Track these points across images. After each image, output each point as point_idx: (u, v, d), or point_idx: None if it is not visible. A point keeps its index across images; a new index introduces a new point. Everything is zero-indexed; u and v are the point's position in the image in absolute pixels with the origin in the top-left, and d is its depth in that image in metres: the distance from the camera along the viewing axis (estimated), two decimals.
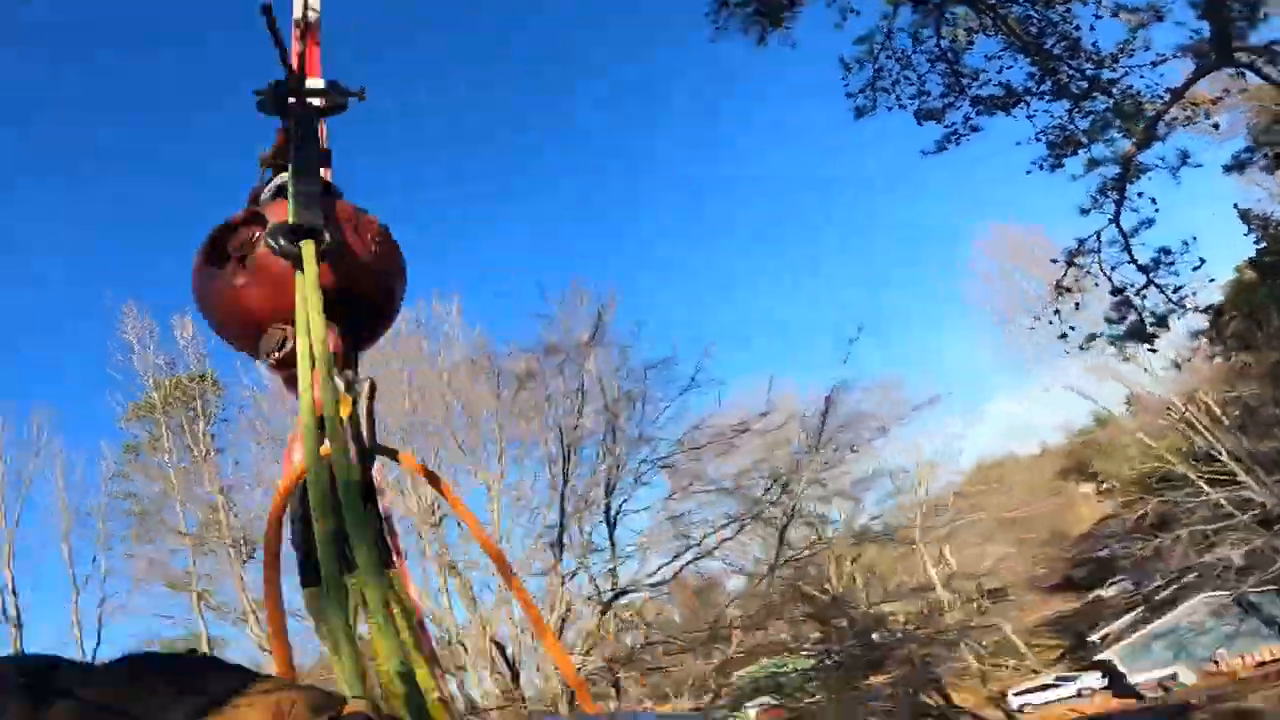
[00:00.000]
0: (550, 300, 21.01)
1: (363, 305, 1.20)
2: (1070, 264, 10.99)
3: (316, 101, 1.39)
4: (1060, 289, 11.14)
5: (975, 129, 10.71)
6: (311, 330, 1.03)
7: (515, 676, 18.48)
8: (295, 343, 1.08)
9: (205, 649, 23.06)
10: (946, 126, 10.81)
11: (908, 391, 29.56)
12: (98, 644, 25.43)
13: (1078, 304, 11.25)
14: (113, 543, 26.48)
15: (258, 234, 1.16)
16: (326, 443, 0.97)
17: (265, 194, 1.31)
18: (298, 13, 1.53)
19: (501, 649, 18.73)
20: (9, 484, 26.10)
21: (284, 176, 1.27)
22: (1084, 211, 10.51)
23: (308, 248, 1.09)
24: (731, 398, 23.32)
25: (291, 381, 1.10)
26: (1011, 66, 10.33)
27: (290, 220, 1.14)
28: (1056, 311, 11.19)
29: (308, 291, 1.06)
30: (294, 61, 1.40)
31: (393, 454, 1.16)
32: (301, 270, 1.10)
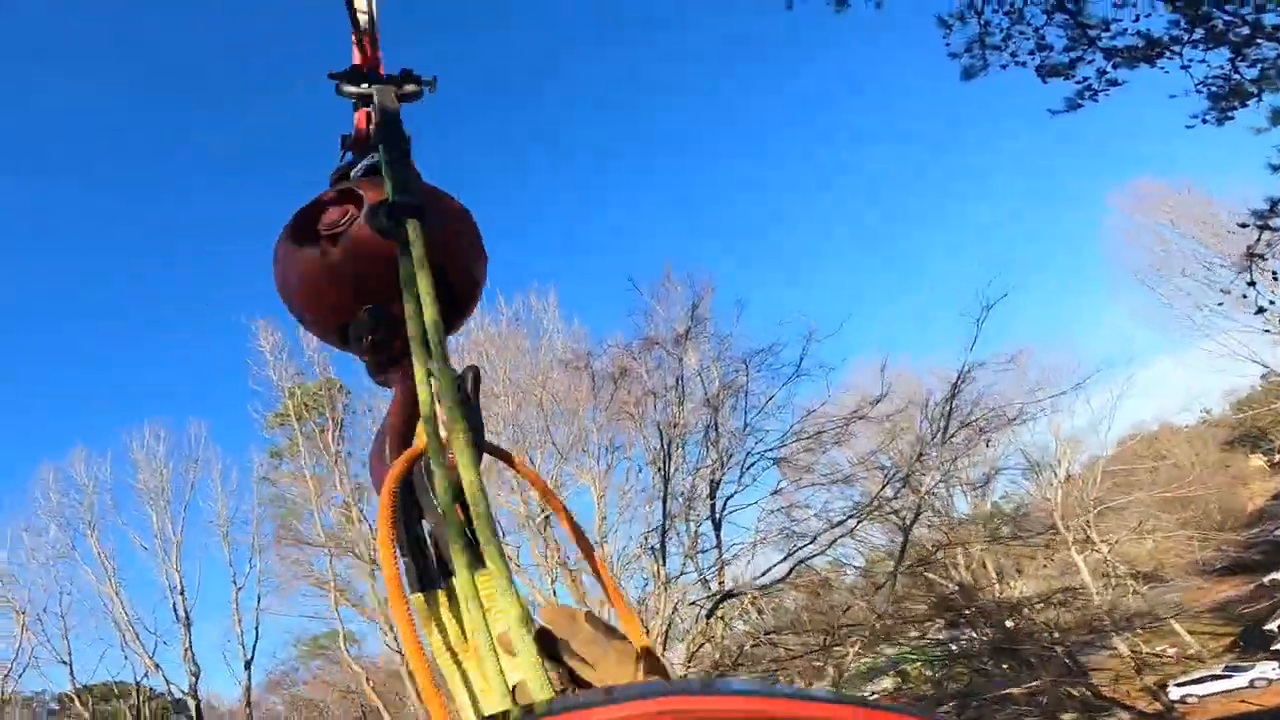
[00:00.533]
0: (644, 292, 20.57)
1: (449, 289, 1.12)
2: (1264, 227, 9.45)
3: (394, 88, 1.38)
4: (1252, 256, 9.65)
5: (1114, 83, 9.39)
6: (425, 313, 0.97)
7: None
8: (389, 326, 1.05)
9: (342, 645, 24.78)
10: (1078, 82, 9.48)
11: (1044, 365, 26.88)
12: (256, 640, 27.97)
13: (1277, 273, 9.77)
14: (266, 543, 28.82)
15: (351, 211, 1.13)
16: (442, 433, 0.91)
17: (354, 173, 1.30)
18: (362, 4, 1.56)
19: None
20: (173, 493, 29.11)
21: (374, 157, 1.26)
22: (1275, 168, 8.96)
23: (413, 227, 1.04)
24: (845, 381, 21.96)
25: (381, 367, 1.08)
26: (1149, 15, 8.91)
27: (391, 199, 1.09)
28: (1251, 283, 9.72)
29: (417, 271, 1.00)
30: (368, 48, 1.43)
31: (507, 458, 1.10)
32: (404, 249, 1.04)
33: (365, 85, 1.40)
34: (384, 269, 1.08)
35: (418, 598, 0.91)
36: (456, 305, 1.20)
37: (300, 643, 31.27)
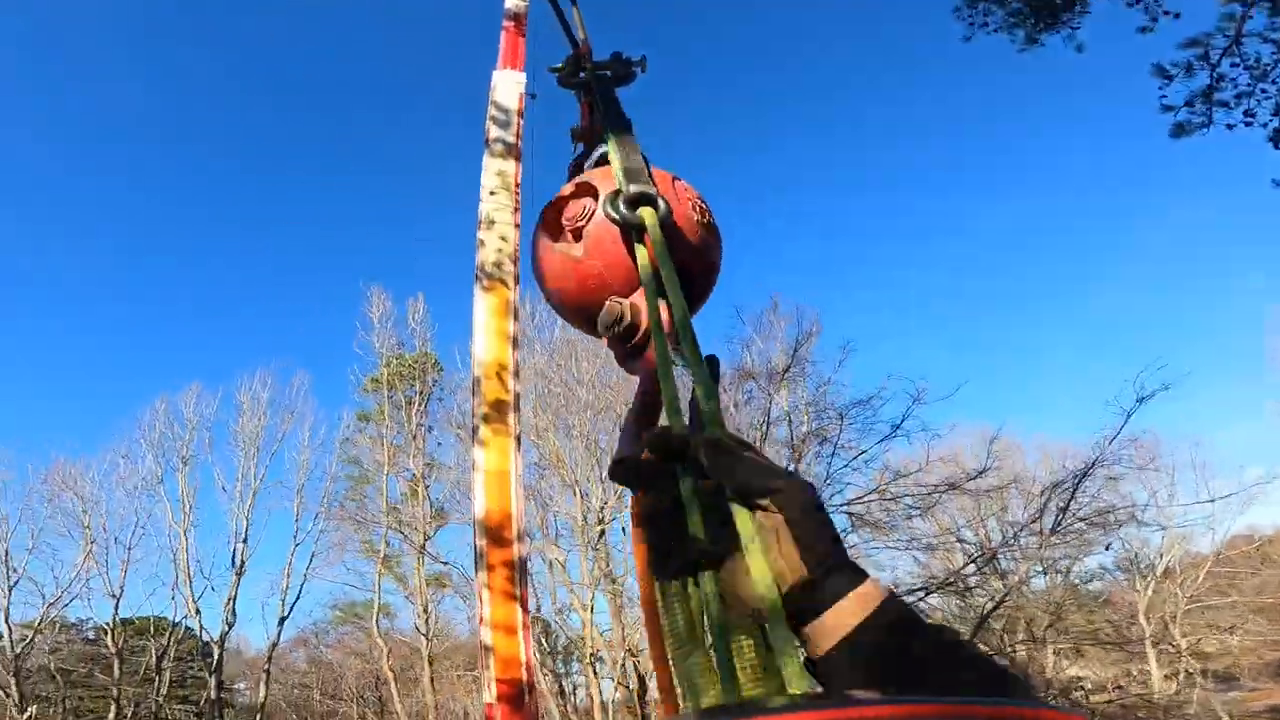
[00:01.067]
0: (746, 322, 20.02)
1: (688, 279, 1.09)
2: None
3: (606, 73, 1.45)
4: None
5: None
6: (672, 301, 0.97)
7: (642, 689, 18.26)
8: (632, 317, 1.08)
9: (375, 616, 24.97)
10: None
11: (1182, 462, 24.44)
12: (297, 598, 28.80)
13: None
14: (334, 504, 29.74)
15: (589, 205, 1.17)
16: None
17: (588, 165, 1.35)
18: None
19: (635, 658, 18.47)
20: (265, 440, 30.59)
21: (604, 148, 1.29)
22: None
23: (649, 215, 1.07)
24: (946, 439, 20.32)
25: (628, 356, 1.12)
26: None
27: (624, 189, 1.12)
28: None
29: (659, 260, 1.02)
30: (580, 36, 1.51)
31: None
32: (639, 238, 1.08)
33: (583, 74, 1.45)
34: (623, 261, 1.12)
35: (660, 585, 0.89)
36: (695, 291, 1.20)
37: (337, 606, 32.06)
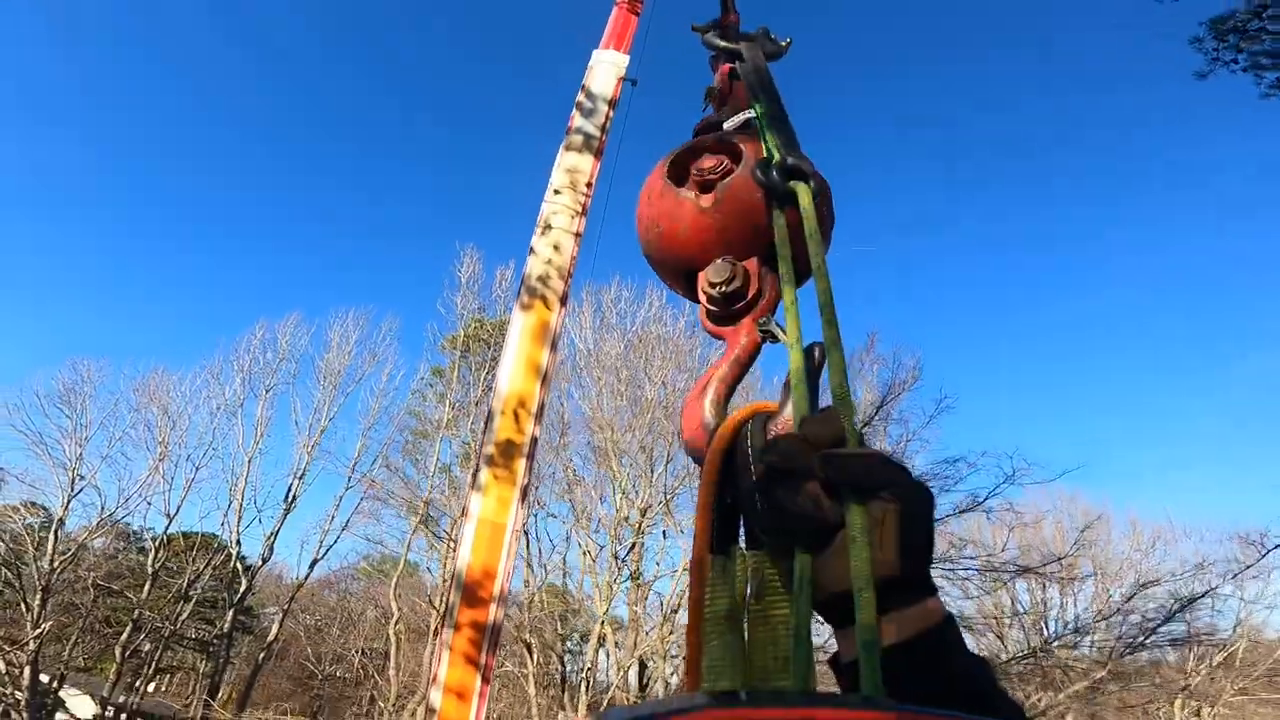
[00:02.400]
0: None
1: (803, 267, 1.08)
2: None
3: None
4: None
5: None
6: (817, 281, 0.96)
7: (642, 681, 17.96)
8: (743, 282, 1.09)
9: (397, 574, 25.06)
10: None
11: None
12: (335, 541, 29.51)
13: None
14: (393, 453, 30.29)
15: (726, 162, 1.17)
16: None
17: (728, 125, 1.32)
18: None
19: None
20: (345, 377, 31.57)
21: (749, 113, 1.29)
22: None
23: (804, 190, 1.06)
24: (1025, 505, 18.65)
25: (722, 318, 1.11)
26: None
27: (779, 158, 1.12)
28: None
29: (809, 237, 1.01)
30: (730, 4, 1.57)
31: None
32: (782, 209, 1.08)
33: (730, 40, 1.49)
34: (751, 225, 1.12)
35: (716, 559, 0.92)
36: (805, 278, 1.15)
37: (369, 558, 32.68)
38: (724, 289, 1.11)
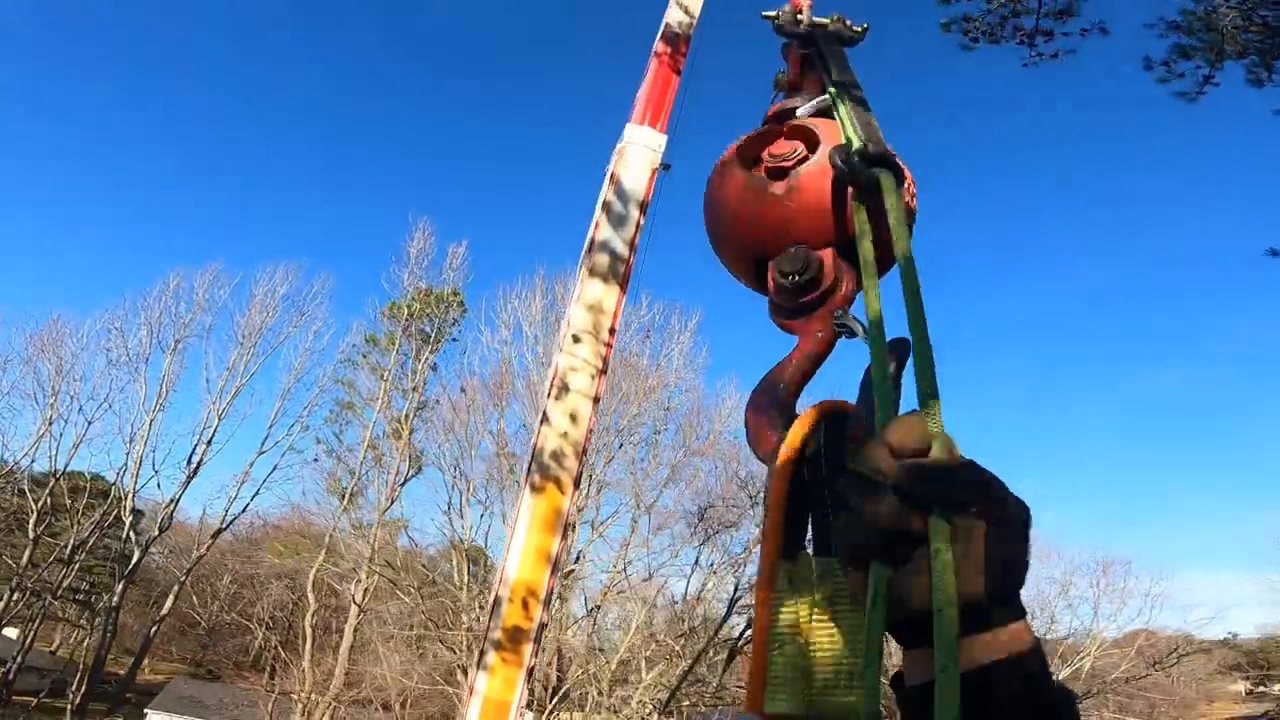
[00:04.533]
0: None
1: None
2: None
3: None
4: None
5: None
6: (904, 273, 0.88)
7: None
8: (818, 272, 1.06)
9: (313, 574, 24.29)
10: None
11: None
12: (241, 512, 28.50)
13: None
14: (313, 420, 29.26)
15: (800, 149, 1.15)
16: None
17: (803, 112, 1.30)
18: (674, 17, 2.08)
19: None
20: (266, 336, 30.14)
21: (824, 100, 1.26)
22: None
23: (887, 179, 1.01)
24: None
25: (793, 310, 1.08)
26: None
27: (861, 146, 1.07)
28: None
29: (894, 228, 0.95)
30: None
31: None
32: (864, 197, 1.04)
33: (804, 25, 1.44)
34: (827, 214, 1.09)
35: (784, 566, 0.92)
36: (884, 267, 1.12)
37: (270, 523, 31.63)
38: (796, 279, 1.09)
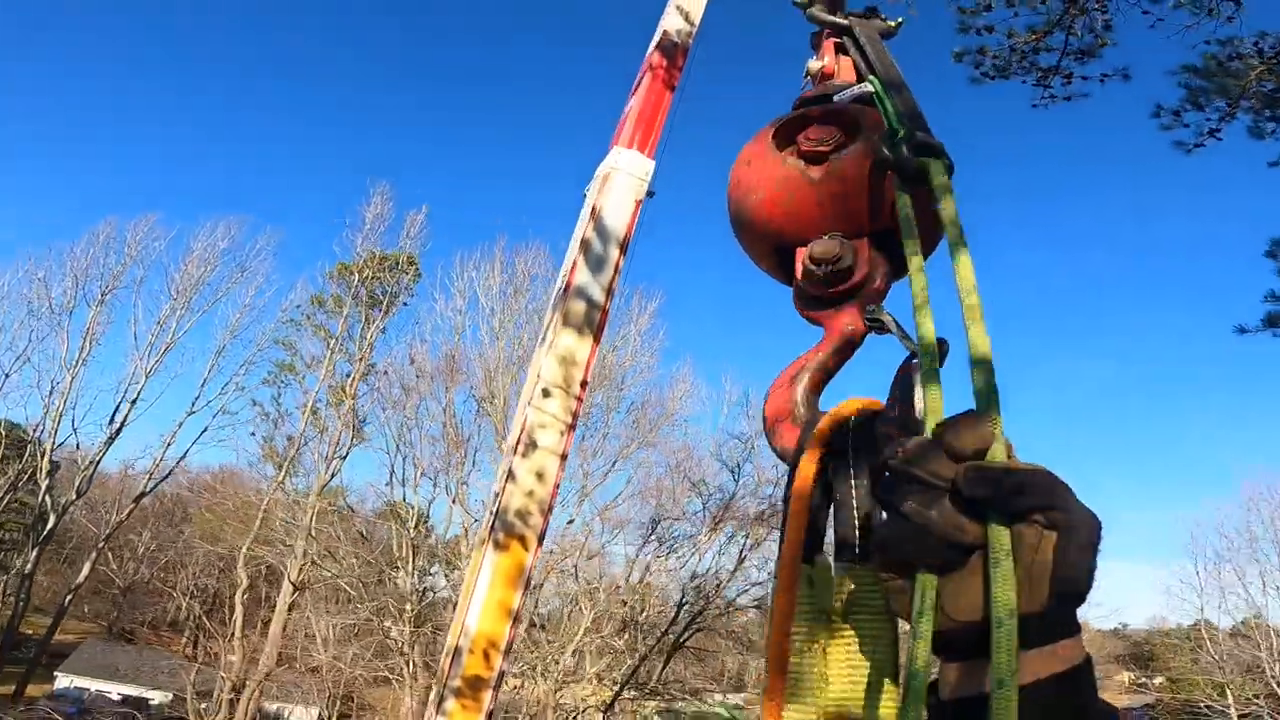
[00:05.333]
0: None
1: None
2: None
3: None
4: None
5: None
6: (957, 266, 0.87)
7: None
8: (852, 261, 1.06)
9: (245, 548, 23.80)
10: None
11: None
12: (165, 477, 27.69)
13: None
14: (249, 380, 28.51)
15: (838, 135, 1.14)
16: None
17: (840, 98, 1.28)
18: (671, 24, 2.12)
19: None
20: (203, 293, 29.05)
21: (864, 87, 1.26)
22: None
23: (938, 168, 1.00)
24: None
25: (816, 301, 1.08)
26: None
27: (905, 133, 1.06)
28: None
29: (945, 215, 0.94)
30: None
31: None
32: (908, 186, 1.02)
33: (841, 15, 1.45)
34: (865, 203, 1.09)
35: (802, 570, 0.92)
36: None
37: (198, 486, 30.93)
38: (830, 268, 1.07)
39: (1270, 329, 8.43)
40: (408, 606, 18.04)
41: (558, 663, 16.95)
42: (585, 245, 4.17)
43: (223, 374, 28.64)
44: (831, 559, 0.92)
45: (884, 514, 0.68)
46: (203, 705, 20.01)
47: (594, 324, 3.90)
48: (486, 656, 3.18)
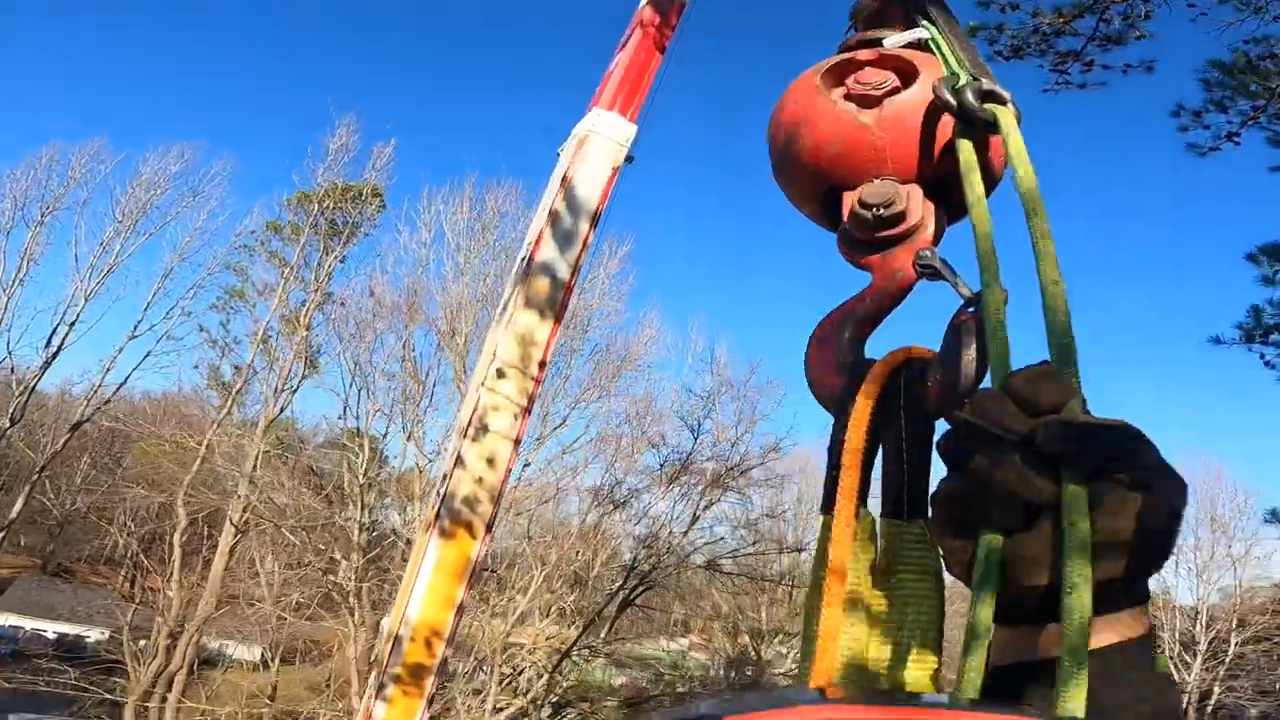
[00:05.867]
0: None
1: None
2: None
3: None
4: None
5: None
6: (1030, 210, 0.84)
7: None
8: (905, 207, 1.04)
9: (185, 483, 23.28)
10: None
11: None
12: (104, 403, 26.90)
13: None
14: (197, 305, 27.66)
15: (892, 79, 1.14)
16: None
17: (891, 43, 1.25)
18: None
19: None
20: (151, 217, 27.85)
21: (918, 33, 1.25)
22: None
23: (1006, 115, 0.99)
24: None
25: (862, 245, 1.07)
26: None
27: (967, 79, 1.05)
28: None
29: (1017, 161, 0.91)
30: None
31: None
32: (965, 134, 1.01)
33: None
34: (920, 149, 1.08)
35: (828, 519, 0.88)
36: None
37: (139, 413, 30.31)
38: (880, 212, 1.06)
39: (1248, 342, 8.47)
40: (355, 544, 17.98)
41: (513, 604, 17.14)
42: (554, 217, 4.00)
43: (169, 298, 27.75)
44: (874, 516, 0.89)
45: (947, 469, 0.65)
46: (141, 643, 19.91)
47: (556, 304, 3.77)
48: (428, 644, 3.14)
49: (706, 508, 20.67)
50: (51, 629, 28.62)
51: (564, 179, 4.06)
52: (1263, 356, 8.65)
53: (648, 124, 4.26)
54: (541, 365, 3.59)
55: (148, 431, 26.96)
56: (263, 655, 22.28)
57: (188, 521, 22.02)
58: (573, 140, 4.16)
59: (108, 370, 26.56)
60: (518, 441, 3.43)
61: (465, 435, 3.30)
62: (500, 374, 3.43)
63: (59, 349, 25.86)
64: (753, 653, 26.59)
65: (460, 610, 3.21)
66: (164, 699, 19.19)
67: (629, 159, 4.22)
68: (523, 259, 3.95)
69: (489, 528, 3.25)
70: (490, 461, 3.26)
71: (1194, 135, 7.99)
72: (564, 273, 3.85)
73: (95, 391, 26.70)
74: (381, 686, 3.12)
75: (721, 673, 27.41)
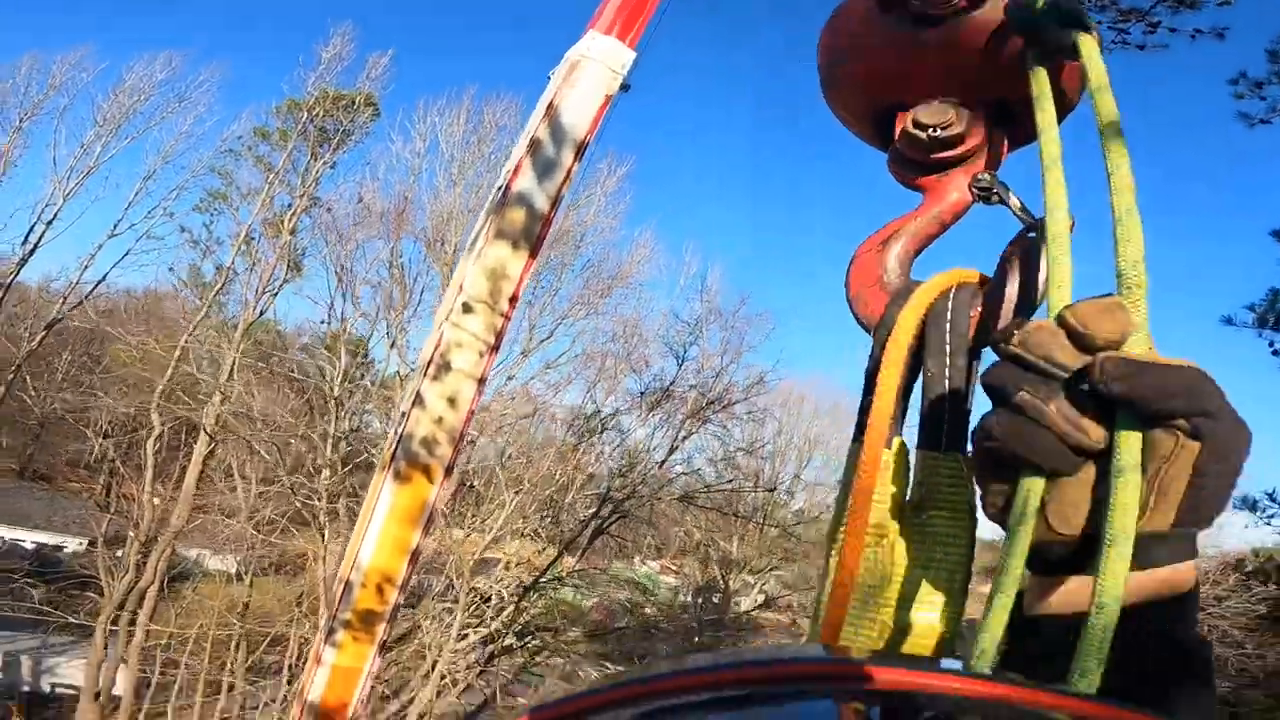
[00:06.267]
0: None
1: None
2: None
3: None
4: None
5: None
6: (1108, 141, 0.78)
7: None
8: (964, 129, 1.01)
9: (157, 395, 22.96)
10: None
11: None
12: (86, 297, 26.49)
13: None
14: (179, 206, 27.10)
15: None
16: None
17: None
18: None
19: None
20: (134, 122, 26.84)
21: None
22: None
23: (1088, 42, 0.91)
24: None
25: (917, 166, 1.04)
26: None
27: (1051, 2, 0.97)
28: None
29: (1097, 90, 0.85)
30: None
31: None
32: (1040, 61, 0.96)
33: None
34: (985, 72, 1.02)
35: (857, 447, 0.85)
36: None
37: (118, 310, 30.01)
38: (937, 132, 1.02)
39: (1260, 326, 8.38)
40: (326, 459, 18.01)
41: (488, 526, 17.35)
42: (535, 145, 3.76)
43: (151, 199, 27.08)
44: (913, 445, 0.85)
45: (991, 404, 0.60)
46: (118, 551, 20.01)
47: (532, 236, 3.57)
48: (380, 591, 3.07)
49: (685, 438, 20.80)
50: (29, 538, 28.76)
51: (550, 105, 3.82)
52: (1271, 344, 8.55)
53: (652, 48, 3.99)
54: (513, 301, 3.42)
55: (125, 328, 26.64)
56: (237, 570, 22.50)
57: (160, 429, 21.89)
58: (564, 64, 3.91)
59: (86, 267, 26.10)
60: (482, 381, 3.28)
61: (425, 373, 3.16)
62: (466, 308, 3.26)
63: (36, 245, 25.32)
64: (721, 582, 27.27)
65: (415, 557, 3.13)
66: (133, 618, 19.38)
67: (624, 87, 3.97)
68: (499, 188, 3.73)
69: (448, 471, 3.14)
70: (451, 401, 3.12)
71: (1248, 104, 7.80)
72: (542, 204, 3.64)
73: (73, 288, 26.33)
74: (331, 631, 3.06)
75: (689, 598, 28.14)
